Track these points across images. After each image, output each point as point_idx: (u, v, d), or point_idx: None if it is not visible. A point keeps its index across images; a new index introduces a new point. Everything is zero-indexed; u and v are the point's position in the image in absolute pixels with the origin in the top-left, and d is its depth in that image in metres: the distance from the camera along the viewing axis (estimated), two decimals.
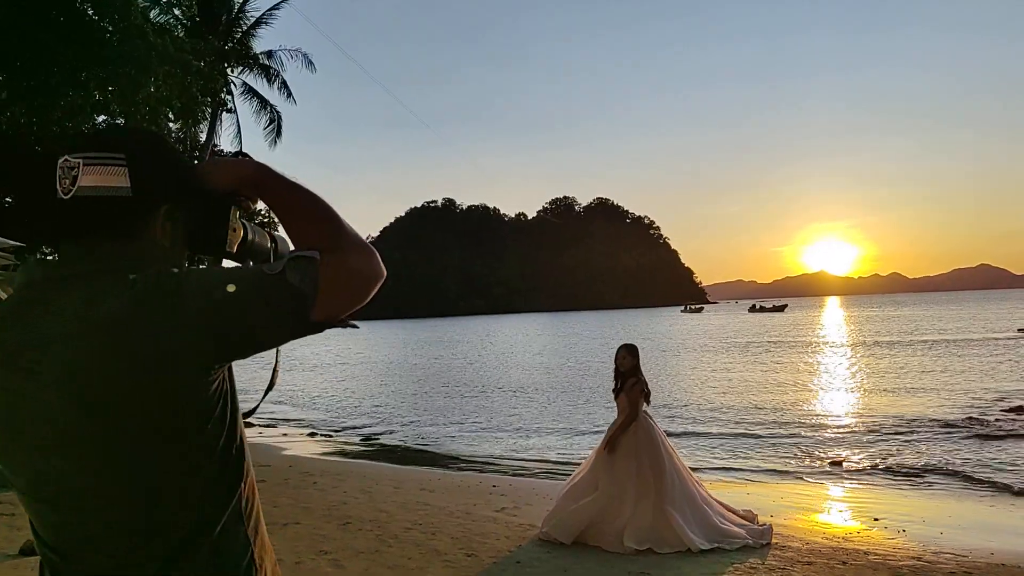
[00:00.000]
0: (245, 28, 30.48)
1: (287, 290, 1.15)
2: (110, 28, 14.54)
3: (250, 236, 1.36)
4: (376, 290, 1.26)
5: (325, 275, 1.18)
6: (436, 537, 6.83)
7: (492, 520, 7.57)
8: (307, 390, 27.66)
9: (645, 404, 6.85)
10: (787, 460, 12.16)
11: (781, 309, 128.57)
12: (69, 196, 1.18)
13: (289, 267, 1.17)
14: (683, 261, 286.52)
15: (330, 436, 16.26)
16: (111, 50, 14.37)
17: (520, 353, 44.43)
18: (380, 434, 16.51)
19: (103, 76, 15.09)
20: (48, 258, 1.24)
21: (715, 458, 12.49)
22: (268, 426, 17.59)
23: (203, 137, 28.71)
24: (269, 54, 31.14)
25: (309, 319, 1.17)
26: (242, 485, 1.24)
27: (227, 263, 1.40)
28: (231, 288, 1.14)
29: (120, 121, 21.06)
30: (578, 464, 7.71)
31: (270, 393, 1.51)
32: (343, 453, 13.89)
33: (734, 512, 6.90)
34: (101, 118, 23.25)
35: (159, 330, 1.10)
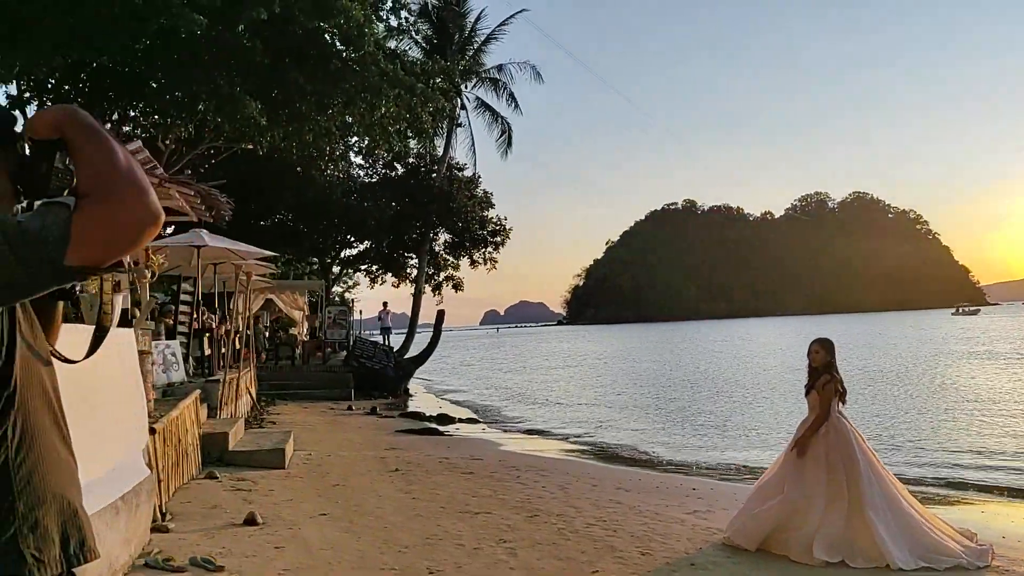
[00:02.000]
0: (477, 45, 32.21)
1: (25, 236, 1.17)
2: (353, 56, 16.25)
3: None
4: (148, 235, 1.25)
5: (79, 221, 1.19)
6: (616, 534, 6.78)
7: (679, 522, 7.37)
8: (533, 389, 28.56)
9: (840, 404, 6.33)
10: None
11: None
12: None
13: (36, 213, 1.22)
14: (956, 259, 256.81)
15: (548, 433, 16.65)
16: (352, 78, 16.06)
17: (760, 357, 42.39)
18: (597, 433, 16.61)
19: (345, 103, 16.94)
20: None
21: (949, 472, 11.13)
22: (491, 423, 18.40)
23: (440, 151, 30.78)
24: (499, 68, 32.64)
25: (59, 264, 1.18)
26: (8, 430, 1.29)
27: None
28: None
29: (366, 141, 23.30)
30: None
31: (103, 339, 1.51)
32: (557, 451, 14.17)
33: (949, 527, 6.12)
34: (353, 139, 25.88)
35: None
